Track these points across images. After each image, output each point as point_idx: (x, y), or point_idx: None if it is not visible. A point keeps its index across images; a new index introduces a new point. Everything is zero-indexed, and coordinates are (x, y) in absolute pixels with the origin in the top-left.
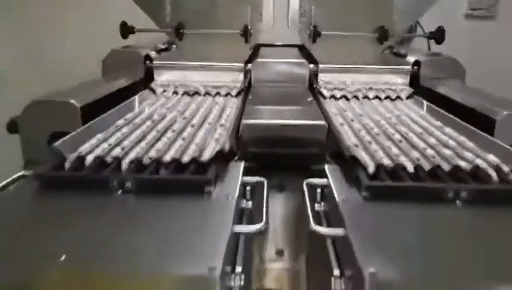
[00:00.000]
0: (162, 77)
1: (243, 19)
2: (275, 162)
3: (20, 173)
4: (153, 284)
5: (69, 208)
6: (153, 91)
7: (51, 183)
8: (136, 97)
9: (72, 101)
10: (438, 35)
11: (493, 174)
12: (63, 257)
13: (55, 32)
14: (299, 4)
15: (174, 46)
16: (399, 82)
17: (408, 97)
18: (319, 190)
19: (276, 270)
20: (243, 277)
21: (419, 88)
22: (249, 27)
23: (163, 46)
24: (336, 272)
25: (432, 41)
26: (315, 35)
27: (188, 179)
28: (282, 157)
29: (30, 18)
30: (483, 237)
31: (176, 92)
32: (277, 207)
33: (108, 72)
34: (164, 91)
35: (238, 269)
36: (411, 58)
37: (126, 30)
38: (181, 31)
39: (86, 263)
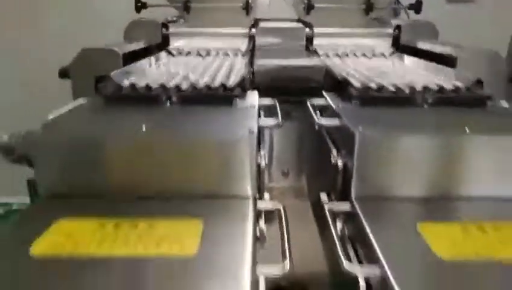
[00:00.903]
0: (176, 43)
1: None
2: (281, 95)
3: (79, 101)
4: (209, 146)
5: (133, 111)
6: (170, 53)
7: (113, 100)
8: (154, 56)
9: (115, 49)
10: (416, 6)
11: (450, 88)
12: (144, 128)
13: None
14: None
15: (181, 19)
16: (383, 44)
17: (391, 55)
18: (318, 112)
19: (282, 188)
20: (267, 156)
21: (400, 48)
22: (250, 1)
23: (173, 19)
24: (334, 151)
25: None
26: (309, 7)
27: (221, 94)
28: (288, 91)
29: None
30: (444, 121)
31: (189, 53)
32: (283, 134)
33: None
34: (179, 53)
35: (263, 151)
36: (393, 24)
37: (140, 5)
38: (189, 5)
39: (159, 131)
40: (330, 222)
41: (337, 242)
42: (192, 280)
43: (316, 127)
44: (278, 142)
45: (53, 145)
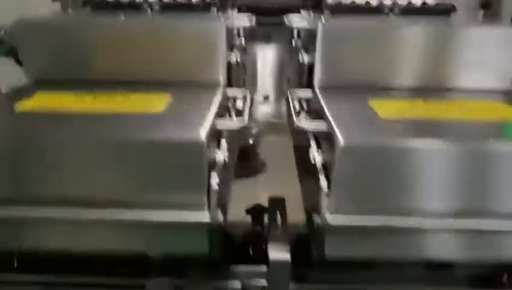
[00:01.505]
0: None
1: None
2: (261, 15)
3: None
4: (181, 33)
5: (116, 15)
6: None
7: (97, 7)
8: None
9: None
10: None
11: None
12: (122, 18)
13: None
14: None
15: None
16: None
17: None
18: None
19: (263, 113)
20: (239, 56)
21: None
22: None
23: None
24: (303, 51)
25: None
26: None
27: (199, 2)
28: (268, 11)
29: None
30: (404, 21)
31: None
32: (264, 58)
33: None
34: None
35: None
36: None
37: None
38: None
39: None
40: (290, 100)
41: (293, 112)
42: (158, 126)
43: (293, 43)
44: (259, 66)
45: (37, 29)
